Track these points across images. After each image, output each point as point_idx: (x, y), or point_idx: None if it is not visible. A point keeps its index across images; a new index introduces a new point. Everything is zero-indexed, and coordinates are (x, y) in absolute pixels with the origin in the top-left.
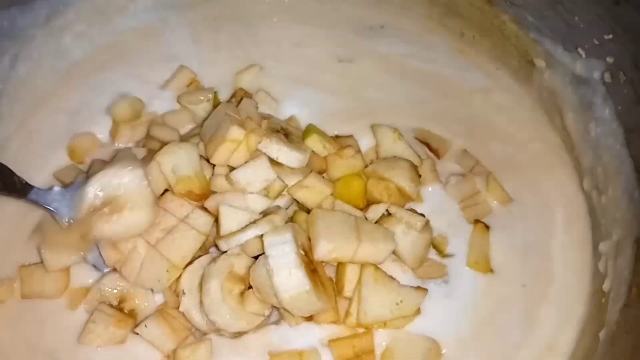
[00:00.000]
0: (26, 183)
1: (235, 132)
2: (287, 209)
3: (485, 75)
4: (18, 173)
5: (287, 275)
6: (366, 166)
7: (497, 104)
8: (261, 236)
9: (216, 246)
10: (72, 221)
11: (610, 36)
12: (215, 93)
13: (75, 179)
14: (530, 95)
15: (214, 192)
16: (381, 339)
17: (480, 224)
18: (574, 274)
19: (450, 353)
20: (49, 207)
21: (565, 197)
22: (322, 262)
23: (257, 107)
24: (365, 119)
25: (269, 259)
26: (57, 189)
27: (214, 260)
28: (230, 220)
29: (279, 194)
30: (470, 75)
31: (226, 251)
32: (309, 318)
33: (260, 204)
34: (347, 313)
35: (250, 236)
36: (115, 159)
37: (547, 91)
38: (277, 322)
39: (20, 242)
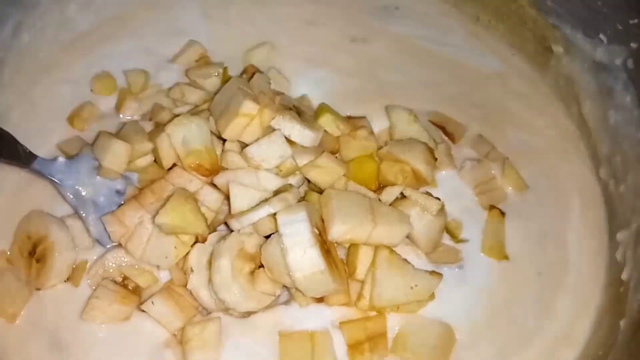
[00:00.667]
0: (30, 152)
1: (249, 106)
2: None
3: (501, 60)
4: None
5: (301, 255)
6: (379, 148)
7: (512, 89)
8: (274, 215)
9: (225, 224)
10: None
11: (635, 21)
12: (225, 68)
13: (80, 150)
14: (546, 82)
15: (224, 169)
16: (394, 322)
17: (496, 210)
18: (590, 263)
19: (463, 339)
20: (53, 179)
21: (581, 185)
22: (334, 243)
23: (269, 83)
24: (378, 100)
25: (283, 238)
26: (61, 159)
27: (223, 238)
28: (241, 198)
29: (291, 173)
30: (486, 60)
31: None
32: (320, 299)
33: (272, 182)
34: (360, 296)
35: (263, 215)
36: (123, 132)
37: (564, 78)
38: (287, 303)
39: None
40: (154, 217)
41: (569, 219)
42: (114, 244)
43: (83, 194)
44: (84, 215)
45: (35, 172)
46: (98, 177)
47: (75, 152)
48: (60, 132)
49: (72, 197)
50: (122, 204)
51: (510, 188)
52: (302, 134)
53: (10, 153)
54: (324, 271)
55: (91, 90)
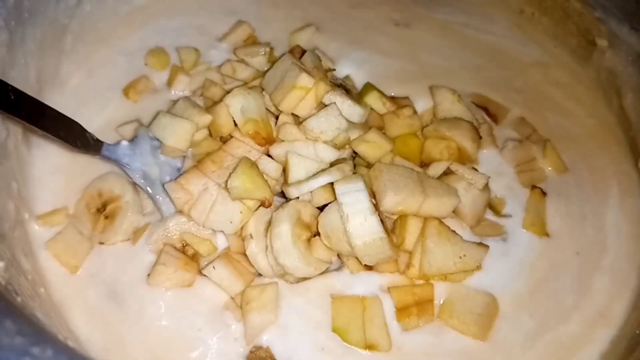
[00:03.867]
0: (97, 139)
1: (305, 80)
2: None
3: (543, 51)
4: (77, 110)
5: (361, 222)
6: (423, 127)
7: (553, 78)
8: (328, 186)
9: (282, 194)
10: None
11: None
12: (271, 48)
13: (136, 132)
14: (587, 74)
15: (279, 141)
16: (440, 291)
17: (538, 190)
18: (628, 247)
19: (506, 310)
20: (121, 162)
21: (620, 173)
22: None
23: (320, 60)
24: (421, 81)
25: (343, 206)
26: (124, 143)
27: (281, 206)
28: (299, 168)
29: (344, 146)
30: (528, 50)
31: (290, 200)
32: (369, 267)
33: (329, 153)
34: (409, 264)
35: (323, 183)
36: (177, 108)
37: (607, 71)
38: (338, 269)
39: (79, 177)
40: (218, 184)
41: (607, 204)
42: (172, 212)
43: (150, 174)
44: (152, 194)
45: (104, 158)
46: (161, 156)
47: (133, 135)
48: (115, 101)
49: (140, 178)
50: (183, 172)
51: (550, 169)
52: (352, 110)
53: (83, 142)
54: (384, 238)
55: (145, 63)
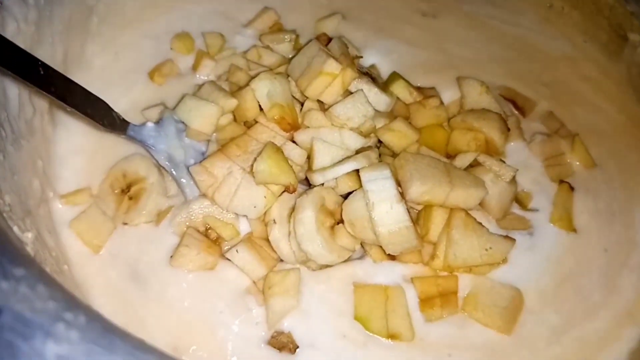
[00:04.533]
0: (123, 119)
1: (332, 66)
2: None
3: (572, 45)
4: (102, 92)
5: (387, 210)
6: (450, 119)
7: (582, 73)
8: (353, 173)
9: (305, 181)
10: None
11: None
12: (297, 35)
13: (161, 115)
14: (617, 69)
15: (305, 127)
16: (464, 283)
17: (565, 184)
18: None
19: (531, 304)
20: (146, 144)
21: None
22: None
23: (347, 47)
24: (447, 72)
25: (369, 193)
26: (150, 124)
27: (305, 192)
28: (324, 154)
29: (369, 134)
30: (556, 44)
31: (314, 186)
32: (392, 257)
33: (355, 141)
34: (434, 256)
35: (348, 169)
36: (202, 92)
37: (638, 67)
38: (360, 258)
39: (103, 157)
40: (242, 168)
41: (637, 201)
42: (195, 195)
43: (175, 157)
44: (177, 176)
45: (130, 138)
46: (186, 139)
47: (158, 117)
48: (140, 84)
49: (165, 160)
50: (207, 156)
51: (578, 164)
52: (378, 98)
53: (109, 121)
54: (410, 227)
55: (171, 48)
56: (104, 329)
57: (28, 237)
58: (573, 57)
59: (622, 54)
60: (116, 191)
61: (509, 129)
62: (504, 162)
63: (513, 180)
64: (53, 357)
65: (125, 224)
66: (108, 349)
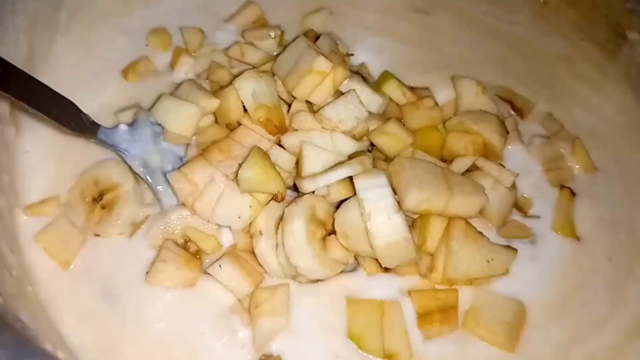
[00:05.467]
0: (93, 121)
1: (323, 64)
2: None
3: (568, 43)
4: (71, 92)
5: (384, 220)
6: (445, 120)
7: (580, 73)
8: (346, 181)
9: (294, 187)
10: None
11: None
12: (282, 31)
13: (136, 116)
14: (616, 69)
15: (292, 130)
16: (464, 297)
17: (567, 190)
18: None
19: (535, 318)
20: (119, 148)
21: None
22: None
23: (337, 44)
24: (441, 71)
25: (364, 202)
26: (123, 127)
27: (294, 201)
28: (314, 160)
29: (362, 137)
30: (552, 42)
31: (304, 194)
32: (387, 269)
33: (348, 145)
34: (432, 268)
35: (341, 176)
36: (181, 91)
37: (637, 66)
38: (353, 270)
39: (72, 163)
40: (225, 174)
41: None
42: (173, 204)
43: (151, 162)
44: (153, 184)
45: (101, 143)
46: (163, 143)
47: (133, 119)
48: (113, 83)
49: (140, 166)
50: (187, 162)
51: (578, 168)
52: (371, 99)
53: (78, 124)
54: (409, 239)
55: (146, 44)
56: None
57: None
58: (569, 56)
59: (620, 53)
60: (87, 200)
61: (507, 132)
62: (503, 166)
63: (513, 186)
64: None
65: (97, 235)
66: None
